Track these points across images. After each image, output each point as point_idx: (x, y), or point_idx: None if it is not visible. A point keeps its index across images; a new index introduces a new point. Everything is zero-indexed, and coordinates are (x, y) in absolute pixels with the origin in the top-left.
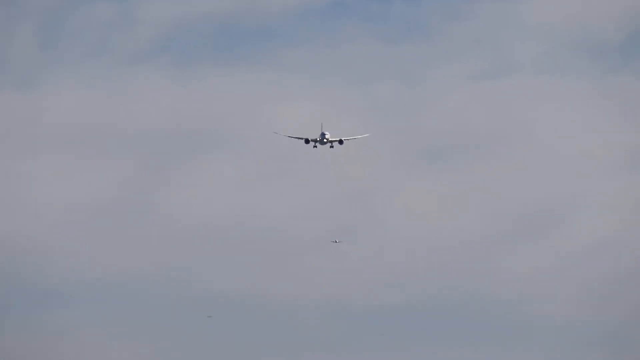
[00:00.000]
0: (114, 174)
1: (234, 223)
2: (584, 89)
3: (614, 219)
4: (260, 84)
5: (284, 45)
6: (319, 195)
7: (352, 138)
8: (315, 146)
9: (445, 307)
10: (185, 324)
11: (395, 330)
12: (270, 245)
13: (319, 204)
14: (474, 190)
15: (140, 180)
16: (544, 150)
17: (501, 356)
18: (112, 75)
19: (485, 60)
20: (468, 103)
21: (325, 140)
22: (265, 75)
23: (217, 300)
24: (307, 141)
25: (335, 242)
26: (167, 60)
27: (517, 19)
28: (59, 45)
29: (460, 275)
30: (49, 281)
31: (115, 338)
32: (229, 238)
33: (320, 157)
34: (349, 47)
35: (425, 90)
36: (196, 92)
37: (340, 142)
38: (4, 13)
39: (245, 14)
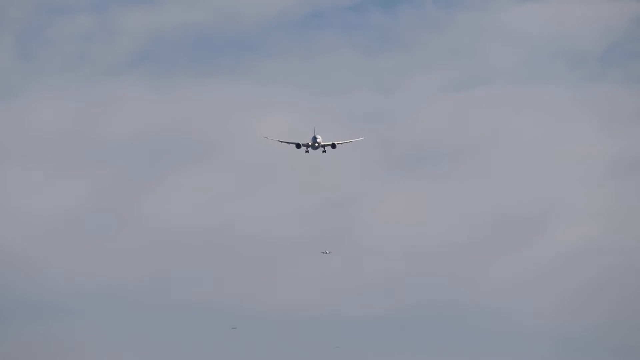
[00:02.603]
0: (94, 184)
1: (220, 232)
2: (562, 98)
3: (593, 226)
4: (238, 94)
5: (262, 56)
6: (301, 203)
7: (345, 142)
8: (307, 151)
9: (429, 315)
10: (169, 334)
11: (379, 339)
12: (257, 254)
13: (302, 213)
14: (452, 199)
15: (122, 189)
16: (524, 159)
17: None
18: (92, 86)
19: (464, 69)
20: (447, 112)
21: (317, 144)
22: (244, 85)
23: (204, 310)
24: (298, 146)
25: (326, 252)
26: (146, 71)
27: (495, 29)
28: (38, 56)
29: (443, 283)
30: (30, 292)
31: (96, 348)
32: (214, 247)
33: (301, 165)
34: (327, 58)
35: (404, 99)
36: (175, 102)
37: (333, 146)
38: None
39: (223, 25)
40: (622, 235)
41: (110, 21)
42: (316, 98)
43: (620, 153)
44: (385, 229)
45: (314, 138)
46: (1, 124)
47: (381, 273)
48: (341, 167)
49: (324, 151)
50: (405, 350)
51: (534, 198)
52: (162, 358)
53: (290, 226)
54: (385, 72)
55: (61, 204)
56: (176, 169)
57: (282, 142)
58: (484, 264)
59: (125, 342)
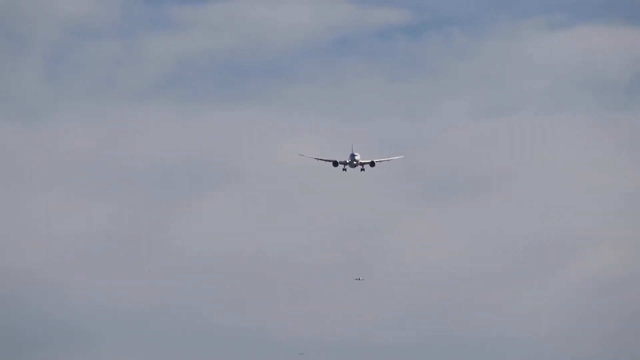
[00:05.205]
0: (122, 208)
1: (249, 256)
2: (589, 127)
3: (620, 256)
4: (265, 120)
5: (288, 82)
6: (326, 227)
7: (384, 160)
8: (345, 169)
9: (455, 343)
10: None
11: None
12: (286, 280)
13: (327, 237)
14: (478, 228)
15: (151, 215)
16: (549, 188)
17: None
18: (118, 111)
19: (490, 97)
20: (473, 140)
21: (355, 162)
22: (270, 111)
23: (230, 338)
24: (335, 164)
25: (359, 279)
26: (173, 96)
27: (522, 57)
28: (65, 80)
29: (469, 313)
30: (53, 316)
31: None
32: (244, 273)
33: (324, 188)
34: (353, 84)
35: (430, 126)
36: (202, 126)
37: (372, 164)
38: (11, 47)
39: (249, 51)
40: None
41: (137, 46)
42: (342, 124)
43: None
44: (411, 256)
45: (352, 156)
46: (27, 147)
47: (410, 300)
48: (367, 193)
49: (362, 169)
50: None
51: (561, 227)
52: None
53: (315, 251)
54: (411, 99)
55: (87, 228)
56: (204, 193)
57: (318, 159)
58: (513, 292)
59: None
